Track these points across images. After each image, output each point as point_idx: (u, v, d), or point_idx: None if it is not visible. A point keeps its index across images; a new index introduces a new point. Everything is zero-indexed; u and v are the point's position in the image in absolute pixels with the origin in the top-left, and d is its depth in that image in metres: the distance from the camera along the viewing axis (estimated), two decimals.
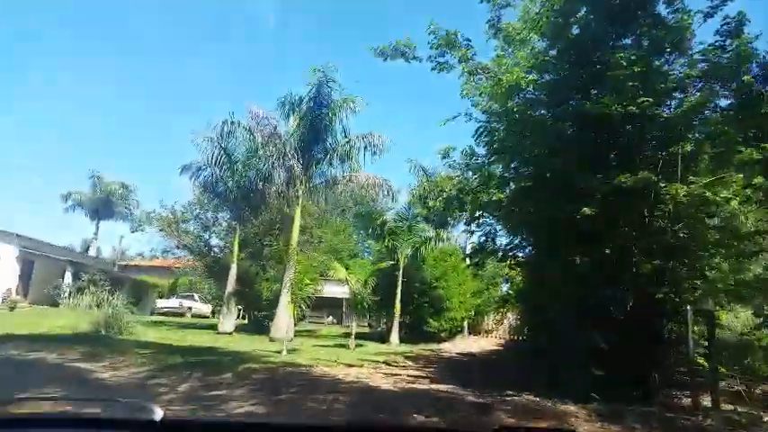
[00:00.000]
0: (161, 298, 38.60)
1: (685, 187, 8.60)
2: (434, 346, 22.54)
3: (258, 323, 25.40)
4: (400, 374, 11.72)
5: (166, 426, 1.79)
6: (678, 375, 9.63)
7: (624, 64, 8.80)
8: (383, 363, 14.03)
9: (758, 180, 8.43)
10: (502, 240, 13.96)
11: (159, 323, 25.15)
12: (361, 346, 19.28)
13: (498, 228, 13.99)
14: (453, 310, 25.39)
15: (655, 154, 9.90)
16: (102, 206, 50.26)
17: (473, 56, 11.68)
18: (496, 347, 22.80)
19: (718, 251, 9.31)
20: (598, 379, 8.59)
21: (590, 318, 9.32)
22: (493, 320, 27.27)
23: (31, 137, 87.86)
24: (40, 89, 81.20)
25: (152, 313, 34.46)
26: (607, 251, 9.59)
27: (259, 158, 22.36)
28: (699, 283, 9.18)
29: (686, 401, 8.71)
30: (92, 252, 50.81)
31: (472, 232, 15.16)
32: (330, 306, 36.42)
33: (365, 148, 21.70)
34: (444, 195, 13.30)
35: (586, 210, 8.77)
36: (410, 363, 15.03)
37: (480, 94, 11.65)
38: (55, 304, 28.13)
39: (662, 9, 10.02)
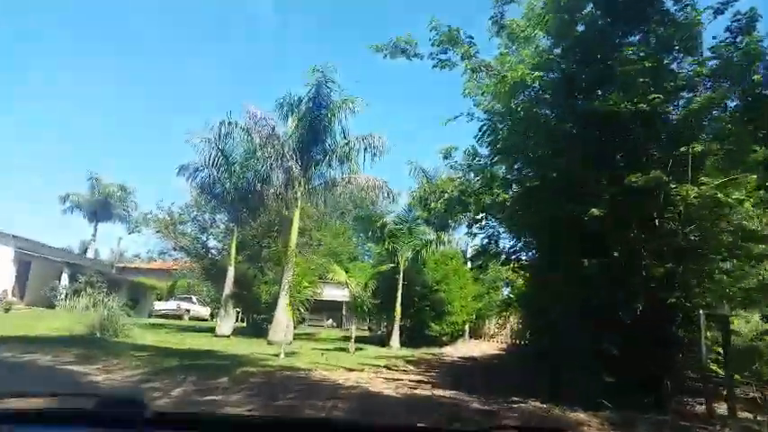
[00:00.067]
0: (159, 300, 38.33)
1: (696, 188, 8.34)
2: (436, 350, 22.26)
3: (257, 326, 25.11)
4: (402, 379, 11.43)
5: (155, 420, 1.82)
6: (689, 381, 9.37)
7: (635, 59, 8.55)
8: (384, 367, 13.77)
9: None
10: (505, 243, 13.76)
11: (157, 326, 24.85)
12: (361, 349, 19.02)
13: (501, 230, 13.78)
14: (455, 314, 25.11)
15: (663, 154, 9.62)
16: (101, 208, 49.97)
17: (476, 53, 11.42)
18: (498, 352, 22.54)
19: (733, 254, 9.02)
20: (607, 385, 8.35)
21: (596, 322, 9.09)
22: (495, 324, 26.98)
23: (31, 137, 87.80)
24: (40, 89, 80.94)
25: (150, 315, 34.17)
26: (615, 254, 9.36)
27: (257, 160, 22.18)
28: (710, 286, 8.91)
29: (699, 409, 8.45)
30: (90, 254, 50.45)
31: (474, 235, 14.88)
32: (330, 309, 36.18)
33: (365, 149, 21.52)
34: (446, 197, 13.01)
35: (595, 210, 8.51)
36: (411, 367, 14.76)
37: (483, 93, 11.40)
38: (51, 306, 27.85)
39: (670, 5, 9.78)
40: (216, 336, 21.49)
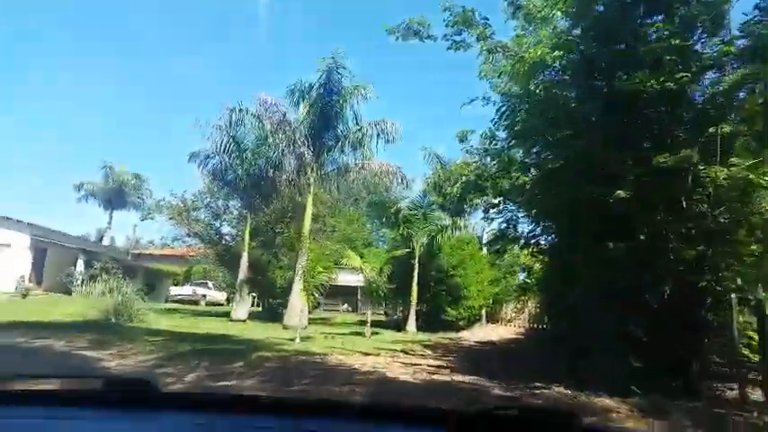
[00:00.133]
0: (176, 286, 38.47)
1: (725, 170, 7.99)
2: (452, 335, 22.09)
3: (272, 311, 25.16)
4: (419, 364, 11.23)
5: (161, 400, 1.86)
6: (717, 367, 9.06)
7: (663, 36, 8.15)
8: (401, 351, 13.60)
9: None
10: (523, 227, 13.53)
11: (172, 311, 24.95)
12: (378, 334, 18.88)
13: (520, 215, 13.53)
14: (471, 299, 24.88)
15: (690, 136, 9.25)
16: (115, 196, 50.19)
17: (491, 35, 11.07)
18: (516, 336, 22.27)
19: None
20: (633, 370, 8.09)
21: (621, 305, 8.81)
22: (512, 309, 26.73)
23: (31, 137, 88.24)
24: (40, 89, 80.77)
25: (167, 301, 34.43)
26: (641, 236, 9.05)
27: (269, 146, 21.99)
28: (741, 270, 8.55)
29: (729, 394, 8.15)
30: (106, 241, 50.74)
31: (492, 219, 14.66)
32: (345, 294, 36.18)
33: (377, 135, 21.22)
34: (463, 179, 12.74)
35: (621, 192, 8.21)
36: (429, 352, 14.57)
37: (500, 75, 11.08)
38: (68, 292, 28.13)
39: None
40: (231, 320, 21.54)
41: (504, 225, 13.75)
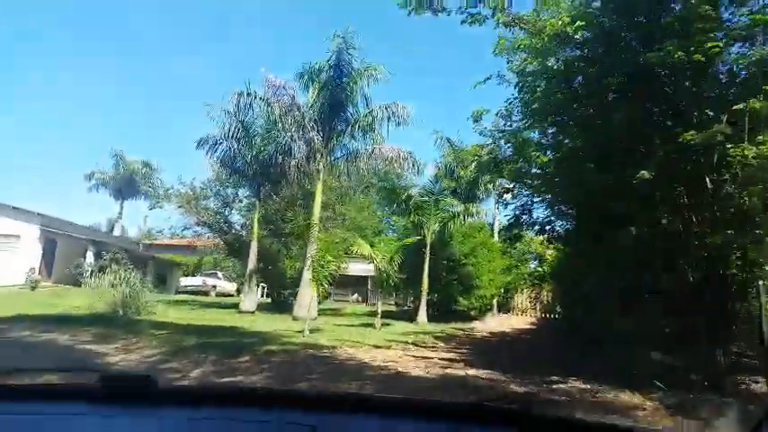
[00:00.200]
0: (186, 276, 38.34)
1: (754, 148, 7.48)
2: (464, 325, 21.64)
3: (281, 301, 24.90)
4: (431, 357, 10.85)
5: (161, 394, 1.83)
6: (743, 359, 8.62)
7: (690, 3, 7.65)
8: (412, 344, 13.23)
9: None
10: (538, 213, 13.10)
11: (182, 302, 24.74)
12: (388, 325, 18.50)
13: (535, 199, 13.09)
14: (483, 288, 24.41)
15: (716, 112, 8.74)
16: (126, 185, 50.16)
17: (508, 6, 10.56)
18: (529, 326, 21.90)
19: None
20: (654, 363, 7.66)
21: (640, 294, 8.38)
22: (526, 298, 26.31)
23: (31, 136, 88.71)
24: (40, 89, 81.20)
25: (177, 292, 34.18)
26: (663, 221, 8.60)
27: (278, 131, 21.58)
28: None
29: (756, 387, 7.70)
30: (116, 231, 50.74)
31: (507, 204, 14.23)
32: (355, 284, 35.87)
33: (388, 119, 20.74)
34: (477, 160, 12.31)
35: (645, 173, 7.72)
36: (441, 344, 14.19)
37: (517, 48, 10.56)
38: (77, 284, 27.87)
39: None
40: (240, 312, 21.25)
41: (518, 211, 13.34)
